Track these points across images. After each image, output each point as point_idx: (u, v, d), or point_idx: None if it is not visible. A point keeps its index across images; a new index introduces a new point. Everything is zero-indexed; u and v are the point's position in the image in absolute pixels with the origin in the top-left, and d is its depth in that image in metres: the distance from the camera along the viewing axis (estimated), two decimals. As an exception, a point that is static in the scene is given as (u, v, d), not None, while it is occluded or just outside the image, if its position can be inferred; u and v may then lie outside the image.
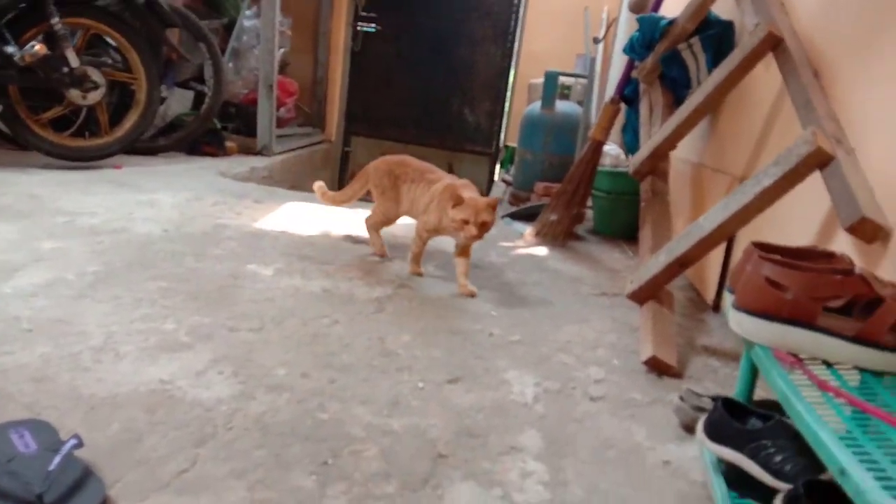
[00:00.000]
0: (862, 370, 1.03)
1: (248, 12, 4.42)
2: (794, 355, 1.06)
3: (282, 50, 4.55)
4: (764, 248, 1.17)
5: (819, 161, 1.48)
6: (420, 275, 2.35)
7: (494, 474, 1.24)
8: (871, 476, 0.72)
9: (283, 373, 1.53)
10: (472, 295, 2.20)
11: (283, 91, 4.60)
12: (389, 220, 2.54)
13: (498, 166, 5.12)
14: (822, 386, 0.97)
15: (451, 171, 5.32)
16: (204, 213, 2.79)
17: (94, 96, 3.28)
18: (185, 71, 4.35)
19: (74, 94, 3.22)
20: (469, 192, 2.19)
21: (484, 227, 2.08)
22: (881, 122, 1.47)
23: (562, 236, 3.01)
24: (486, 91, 5.05)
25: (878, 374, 1.01)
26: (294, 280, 2.13)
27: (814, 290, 1.04)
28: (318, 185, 2.71)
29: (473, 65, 5.04)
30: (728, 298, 1.17)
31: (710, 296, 2.39)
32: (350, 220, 3.01)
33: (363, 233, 2.80)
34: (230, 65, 4.40)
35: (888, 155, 1.42)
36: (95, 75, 3.25)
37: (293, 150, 4.67)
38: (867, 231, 1.34)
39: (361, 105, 5.27)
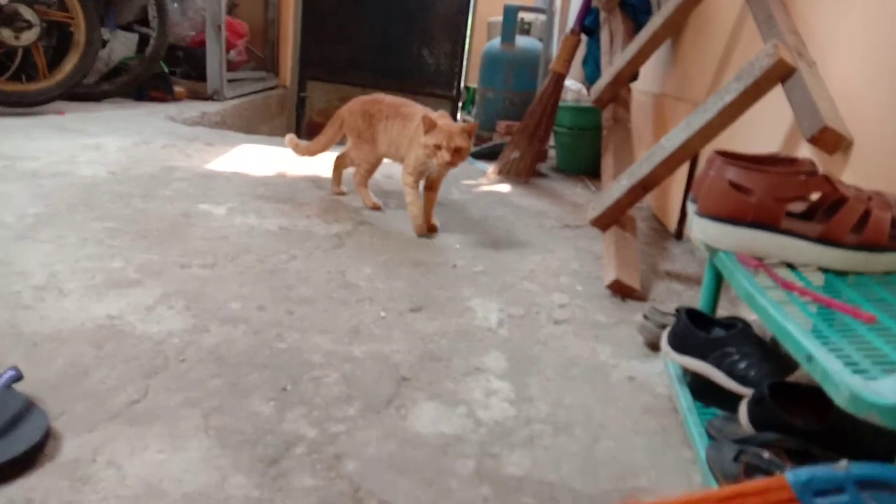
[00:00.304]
0: (826, 271, 1.02)
1: (191, -52, 4.19)
2: (759, 259, 1.04)
3: (229, -11, 4.34)
4: (727, 157, 1.14)
5: (781, 73, 1.45)
6: (434, 230, 2.15)
7: (458, 394, 1.22)
8: (838, 360, 0.71)
9: (238, 306, 1.48)
10: (434, 230, 2.13)
11: (233, 32, 4.41)
12: (372, 167, 2.35)
13: (460, 108, 5.03)
14: (788, 286, 0.96)
15: (411, 115, 5.24)
16: (152, 157, 2.67)
17: (28, 36, 3.09)
18: (127, 12, 4.13)
19: (6, 34, 3.02)
20: (444, 120, 2.04)
21: (458, 154, 1.95)
22: (842, 36, 1.44)
23: (525, 173, 2.97)
24: (445, 31, 4.91)
25: (842, 274, 1.00)
26: (248, 219, 2.05)
27: (778, 192, 1.02)
28: (289, 137, 2.54)
29: (431, 5, 4.89)
30: (690, 208, 1.14)
31: (672, 225, 2.39)
32: (307, 161, 2.92)
33: (322, 173, 2.73)
34: (175, 5, 4.19)
35: (849, 68, 1.40)
36: (28, 13, 3.05)
37: (246, 94, 4.50)
38: (829, 141, 1.33)
39: (316, 48, 5.09)
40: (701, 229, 1.10)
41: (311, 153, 2.52)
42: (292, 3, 5.00)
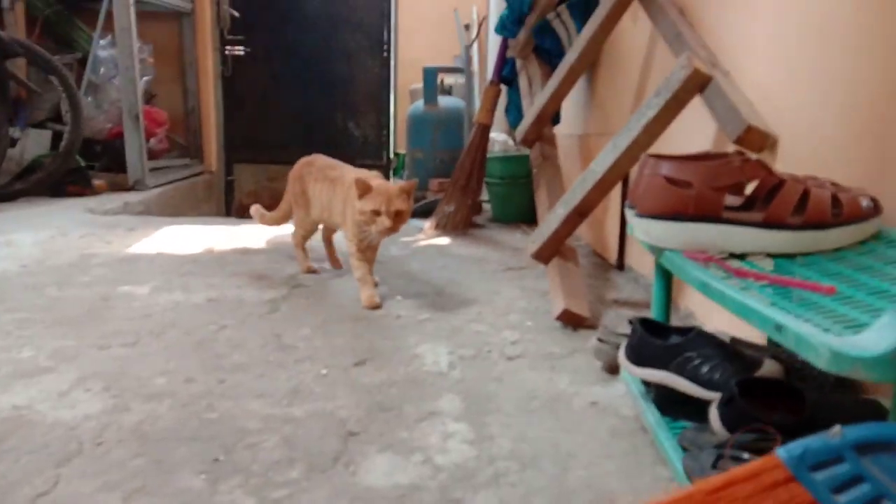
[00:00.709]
0: (774, 256, 0.98)
1: (101, 42, 4.13)
2: (706, 253, 1.00)
3: (145, 78, 4.28)
4: (659, 157, 1.11)
5: (698, 83, 1.47)
6: (377, 306, 1.86)
7: (413, 441, 1.12)
8: (809, 325, 0.66)
9: (163, 381, 1.34)
10: (377, 306, 1.85)
11: (152, 121, 4.32)
12: (307, 232, 2.23)
13: (392, 174, 5.02)
14: (741, 274, 0.91)
15: (343, 187, 5.20)
16: (69, 247, 2.52)
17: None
18: (39, 110, 4.01)
19: None
20: (379, 181, 1.90)
21: (399, 218, 1.77)
22: (752, 45, 1.48)
23: (461, 225, 2.93)
24: (369, 103, 4.96)
25: (791, 257, 0.97)
26: (174, 295, 1.93)
27: (715, 180, 0.99)
28: (255, 207, 2.42)
29: (352, 78, 4.95)
30: (629, 214, 1.10)
31: (612, 256, 2.37)
32: (237, 234, 2.82)
33: (252, 244, 2.63)
34: (89, 99, 4.09)
35: (762, 74, 1.42)
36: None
37: (171, 182, 4.38)
38: (754, 140, 1.33)
39: (240, 131, 5.05)
40: (644, 230, 1.06)
41: (276, 222, 2.40)
42: (212, 90, 4.98)
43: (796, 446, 0.56)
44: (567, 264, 1.80)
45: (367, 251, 1.96)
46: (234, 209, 5.06)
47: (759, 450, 0.85)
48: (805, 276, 0.89)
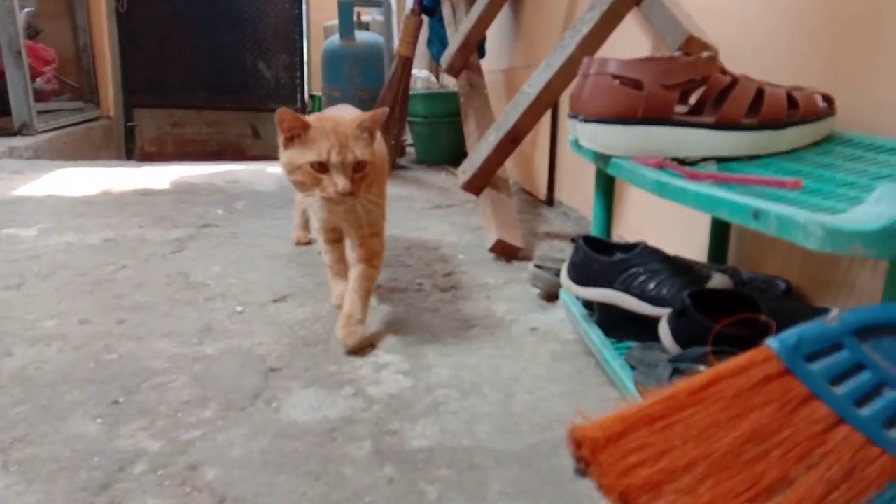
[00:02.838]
0: (722, 161, 0.92)
1: (-27, -34, 3.67)
2: (656, 158, 0.93)
3: (26, 10, 3.86)
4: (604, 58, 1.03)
5: (635, -6, 1.39)
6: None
7: (341, 375, 1.01)
8: (790, 207, 0.59)
9: (51, 324, 1.18)
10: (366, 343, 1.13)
11: (37, 59, 3.91)
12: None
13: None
14: (695, 176, 0.84)
15: (255, 133, 4.92)
16: (-59, 190, 2.23)
17: None
18: None
19: None
20: (326, 115, 1.22)
21: (361, 174, 1.06)
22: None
23: (383, 165, 2.80)
24: (280, 42, 4.66)
25: (744, 160, 0.91)
26: (66, 237, 1.72)
27: (667, 77, 0.91)
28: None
29: (262, 15, 4.63)
30: (571, 124, 1.02)
31: (542, 192, 2.31)
32: (138, 175, 2.58)
33: (156, 185, 2.41)
34: (-39, 32, 3.65)
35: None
36: None
37: (63, 127, 4.01)
38: (695, 51, 1.26)
39: (140, 73, 4.65)
40: (590, 137, 0.97)
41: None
42: (106, 26, 4.56)
43: (790, 335, 0.50)
44: (500, 195, 1.72)
45: (331, 231, 1.27)
46: (136, 157, 4.70)
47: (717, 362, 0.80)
48: (762, 174, 0.83)
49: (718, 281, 1.01)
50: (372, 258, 1.20)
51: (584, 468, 0.50)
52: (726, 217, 0.66)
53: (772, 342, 0.50)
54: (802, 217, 0.54)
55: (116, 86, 4.67)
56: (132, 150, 4.75)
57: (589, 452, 0.50)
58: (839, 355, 0.49)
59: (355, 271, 1.19)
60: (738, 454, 0.48)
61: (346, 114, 1.23)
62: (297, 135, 1.06)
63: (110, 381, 0.97)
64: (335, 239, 1.29)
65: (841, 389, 0.48)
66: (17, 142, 3.54)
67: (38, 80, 3.93)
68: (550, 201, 2.24)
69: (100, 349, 1.08)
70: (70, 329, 1.16)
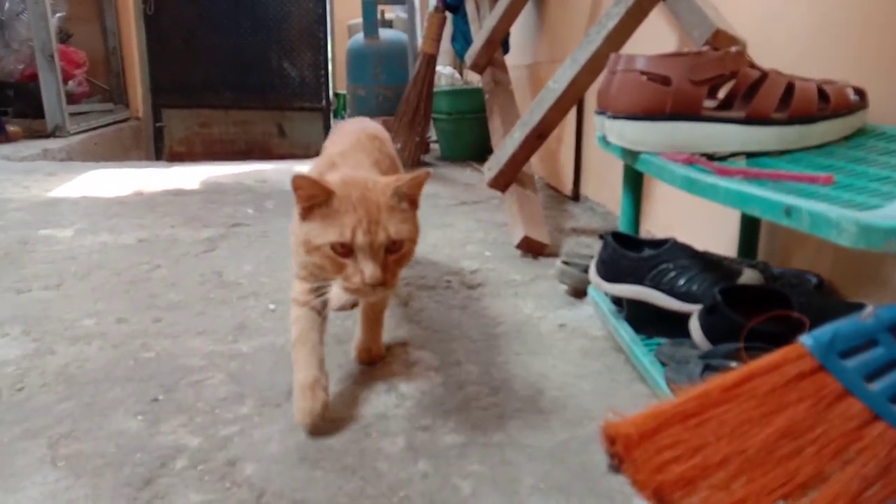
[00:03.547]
0: (752, 156, 0.92)
1: (5, -27, 3.77)
2: (685, 154, 0.93)
3: (58, 14, 3.94)
4: (631, 55, 1.03)
5: (661, -11, 1.38)
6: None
7: (374, 371, 1.03)
8: (822, 203, 0.59)
9: (90, 323, 1.21)
10: (378, 358, 1.06)
11: (69, 62, 4.00)
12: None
13: (332, 116, 4.82)
14: (724, 172, 0.84)
15: (281, 132, 4.96)
16: (-20, 193, 2.30)
17: None
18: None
19: None
20: (355, 162, 1.00)
21: (395, 255, 0.84)
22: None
23: (409, 162, 2.82)
24: (304, 41, 4.70)
25: (773, 155, 0.91)
26: (101, 237, 1.77)
27: (695, 73, 0.91)
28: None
29: (286, 15, 4.67)
30: (598, 121, 1.02)
31: (567, 188, 2.31)
32: (168, 176, 2.63)
33: (186, 185, 2.45)
34: (-5, 37, 3.75)
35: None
36: None
37: (94, 129, 4.09)
38: (722, 44, 1.26)
39: (168, 74, 4.72)
40: (618, 133, 0.97)
41: None
42: (134, 29, 4.63)
43: (824, 332, 0.50)
44: (525, 191, 1.72)
45: (367, 310, 1.03)
46: (165, 157, 4.78)
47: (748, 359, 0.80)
48: (793, 169, 0.83)
49: (749, 276, 1.00)
50: (380, 313, 1.05)
51: (617, 464, 0.51)
52: (758, 214, 0.66)
53: (805, 339, 0.50)
54: (835, 214, 0.54)
55: (145, 87, 4.75)
56: (161, 149, 4.82)
57: (623, 449, 0.51)
58: (874, 352, 0.49)
59: (370, 313, 1.03)
60: (772, 450, 0.49)
61: (364, 129, 1.14)
62: (318, 204, 0.83)
63: (149, 379, 1.00)
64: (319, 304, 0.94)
65: (876, 386, 0.48)
66: (51, 144, 3.62)
67: (70, 82, 4.01)
68: (576, 197, 2.24)
69: (137, 347, 1.11)
70: (108, 328, 1.19)
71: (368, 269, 0.80)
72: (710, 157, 0.91)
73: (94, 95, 4.49)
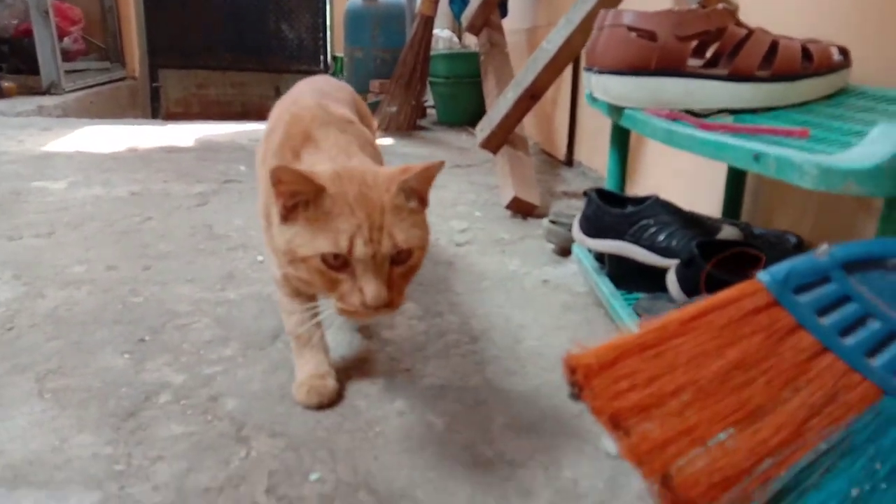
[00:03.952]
0: (735, 114, 0.93)
1: (-1, -75, 3.71)
2: (669, 111, 0.94)
3: (53, -31, 3.88)
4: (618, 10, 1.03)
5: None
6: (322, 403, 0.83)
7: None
8: (789, 149, 0.60)
9: (81, 269, 1.23)
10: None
11: (64, 18, 3.97)
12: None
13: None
14: (706, 127, 0.85)
15: (278, 94, 4.93)
16: (-26, 145, 2.30)
17: None
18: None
19: None
20: (345, 143, 0.80)
21: (401, 268, 0.68)
22: None
23: (405, 125, 2.81)
24: (303, 3, 4.64)
25: (756, 112, 0.92)
26: (93, 190, 1.77)
27: (681, 28, 0.91)
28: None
29: (284, -24, 4.62)
30: (586, 78, 1.03)
31: (561, 153, 2.31)
32: (163, 133, 2.63)
33: (180, 142, 2.45)
34: (-10, -9, 3.71)
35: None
36: None
37: (90, 87, 4.07)
38: (715, 3, 1.25)
39: (165, 34, 4.67)
40: (603, 89, 0.98)
41: None
42: (131, -14, 4.58)
43: (779, 269, 0.51)
44: (517, 153, 1.73)
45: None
46: (161, 118, 4.75)
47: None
48: (770, 124, 0.84)
49: (728, 233, 1.02)
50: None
51: (577, 392, 0.53)
52: (730, 162, 0.67)
53: (761, 275, 0.52)
54: (799, 158, 0.55)
55: (141, 46, 4.70)
56: (157, 110, 4.79)
57: (582, 378, 0.53)
58: (827, 288, 0.50)
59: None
60: (725, 381, 0.51)
61: (327, 90, 0.97)
62: (304, 203, 0.66)
63: (137, 322, 1.02)
64: (311, 294, 0.84)
65: (827, 320, 0.50)
66: (46, 101, 3.61)
67: (65, 39, 3.98)
68: (570, 162, 2.25)
69: (126, 293, 1.13)
70: (98, 274, 1.21)
71: (371, 288, 0.63)
72: (695, 114, 0.92)
73: (91, 54, 4.45)
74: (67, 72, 3.89)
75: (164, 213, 1.59)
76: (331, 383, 0.81)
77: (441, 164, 0.70)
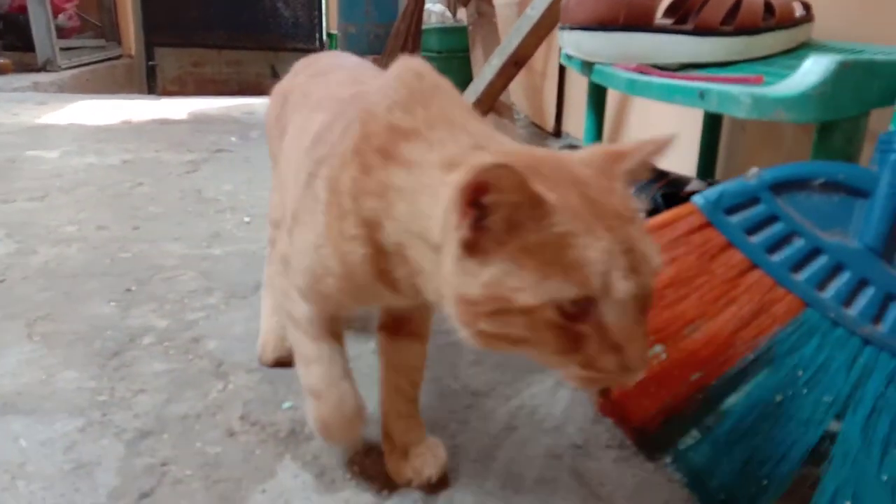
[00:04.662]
0: (700, 67, 0.95)
1: None
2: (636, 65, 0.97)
3: (47, -54, 3.88)
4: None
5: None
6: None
7: (338, 272, 1.09)
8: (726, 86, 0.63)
9: (72, 229, 1.26)
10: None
11: (59, -5, 3.97)
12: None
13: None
14: (669, 76, 0.88)
15: (274, 73, 4.94)
16: (-30, 118, 2.32)
17: None
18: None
19: None
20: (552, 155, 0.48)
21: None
22: None
23: (396, 99, 2.83)
24: (298, -20, 4.66)
25: (720, 67, 0.94)
26: (87, 158, 1.80)
27: (648, -16, 0.94)
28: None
29: (279, -48, 4.62)
30: (560, 36, 1.05)
31: (549, 124, 2.33)
32: (157, 107, 2.65)
33: (173, 115, 2.47)
34: (-16, -33, 3.71)
35: None
36: None
37: (86, 64, 4.08)
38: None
39: (160, 11, 4.68)
40: (574, 45, 1.01)
41: None
42: (126, -37, 4.58)
43: (712, 192, 0.55)
44: (502, 120, 1.76)
45: (403, 335, 0.67)
46: (159, 94, 4.77)
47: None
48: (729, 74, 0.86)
49: (695, 185, 1.05)
50: (426, 333, 0.68)
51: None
52: (680, 101, 0.70)
53: (696, 198, 0.55)
54: (736, 90, 0.58)
55: (137, 24, 4.71)
56: (154, 88, 4.81)
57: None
58: (756, 208, 0.54)
59: (408, 352, 0.66)
60: (661, 297, 0.54)
61: (346, 64, 0.80)
62: (510, 224, 0.43)
63: (125, 274, 1.06)
64: (336, 331, 0.63)
65: (755, 239, 0.53)
66: (42, 77, 3.63)
67: (60, 16, 3.98)
68: (558, 133, 2.27)
69: (115, 249, 1.16)
70: (89, 233, 1.24)
71: (636, 343, 0.43)
72: (662, 69, 0.95)
73: (86, 31, 4.46)
74: (63, 49, 3.89)
75: (156, 179, 1.62)
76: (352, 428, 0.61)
77: (669, 141, 0.47)
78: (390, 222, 0.49)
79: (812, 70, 0.54)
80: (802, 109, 0.53)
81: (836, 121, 0.55)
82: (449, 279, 0.45)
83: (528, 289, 0.42)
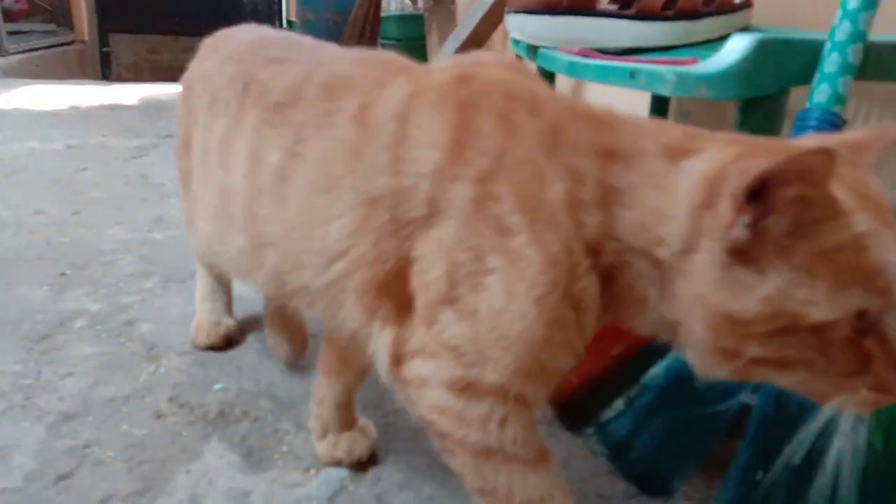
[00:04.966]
0: (642, 52, 0.96)
1: None
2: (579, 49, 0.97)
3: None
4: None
5: None
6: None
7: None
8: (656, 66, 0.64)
9: (7, 213, 1.23)
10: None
11: (6, -23, 3.84)
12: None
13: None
14: (606, 59, 0.89)
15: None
16: None
17: None
18: None
19: None
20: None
21: None
22: None
23: (354, 87, 2.80)
24: (256, -35, 4.58)
25: (657, 52, 0.95)
26: (29, 144, 1.75)
27: (589, -32, 0.94)
28: None
29: (236, -64, 4.53)
30: (507, 19, 1.05)
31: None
32: (108, 92, 2.58)
33: (124, 100, 2.41)
34: (-75, -54, 3.57)
35: None
36: None
37: (35, 49, 3.95)
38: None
39: (115, -4, 4.56)
40: (519, 28, 1.01)
41: None
42: (77, -55, 4.44)
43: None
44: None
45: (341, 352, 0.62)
46: (112, 80, 4.65)
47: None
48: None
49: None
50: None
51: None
52: (613, 81, 0.71)
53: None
54: (664, 69, 0.59)
55: (90, 9, 4.58)
56: (108, 75, 4.69)
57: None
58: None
59: (348, 362, 0.61)
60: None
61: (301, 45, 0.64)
62: (803, 222, 0.37)
63: (60, 259, 1.03)
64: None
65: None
66: (-13, 62, 3.51)
67: (8, -1, 3.86)
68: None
69: (52, 234, 1.13)
70: (26, 218, 1.21)
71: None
72: (604, 52, 0.95)
73: (35, 15, 4.31)
74: (10, 33, 3.77)
75: (100, 164, 1.58)
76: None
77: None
78: (611, 242, 0.40)
79: (733, 48, 0.55)
80: (723, 86, 0.54)
81: (757, 98, 0.56)
82: (704, 296, 0.37)
83: (824, 301, 0.36)
